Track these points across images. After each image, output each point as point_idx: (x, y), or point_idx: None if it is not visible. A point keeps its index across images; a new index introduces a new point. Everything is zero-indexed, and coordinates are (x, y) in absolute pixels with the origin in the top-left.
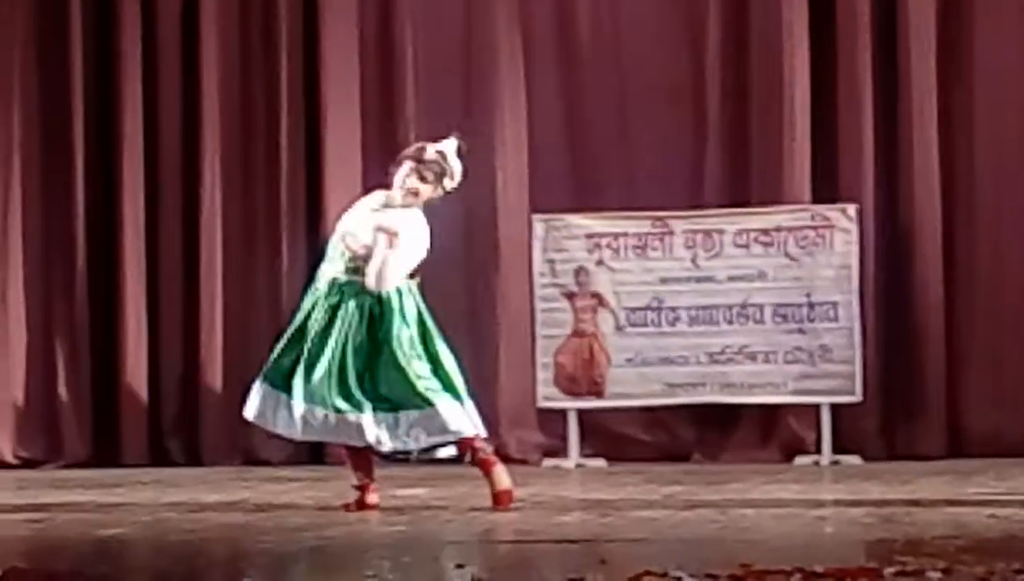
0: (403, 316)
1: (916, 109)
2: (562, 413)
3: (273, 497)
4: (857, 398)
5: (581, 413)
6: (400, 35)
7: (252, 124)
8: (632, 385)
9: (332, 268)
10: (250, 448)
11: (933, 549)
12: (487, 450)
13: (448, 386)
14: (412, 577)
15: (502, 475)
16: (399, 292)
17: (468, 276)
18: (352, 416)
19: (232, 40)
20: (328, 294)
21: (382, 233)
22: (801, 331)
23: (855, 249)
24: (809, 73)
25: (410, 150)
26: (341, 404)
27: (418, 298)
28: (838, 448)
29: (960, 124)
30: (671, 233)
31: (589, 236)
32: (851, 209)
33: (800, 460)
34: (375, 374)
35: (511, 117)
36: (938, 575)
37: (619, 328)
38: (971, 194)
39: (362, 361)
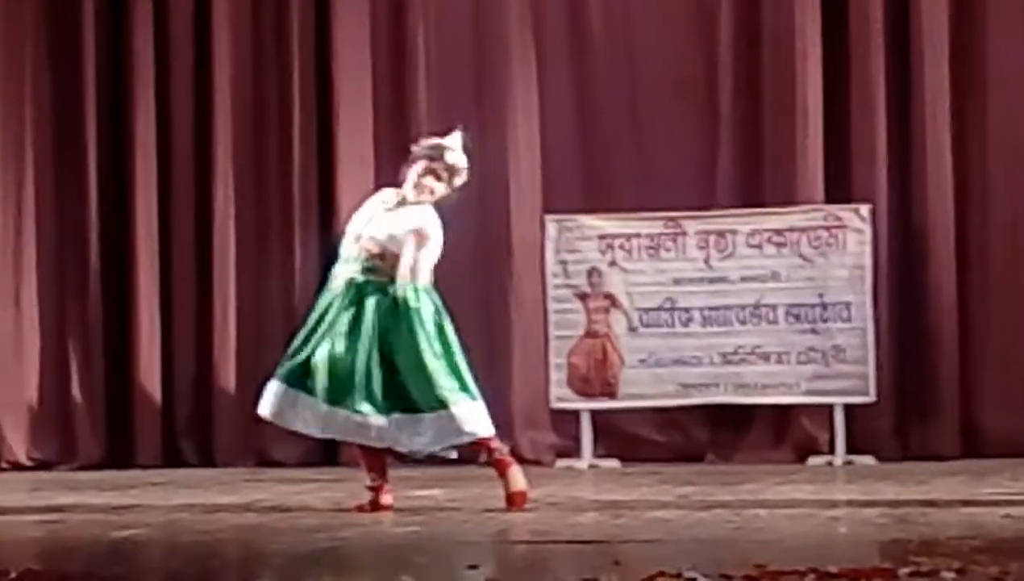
0: (420, 315)
1: (929, 109)
2: (575, 414)
3: (287, 498)
4: (870, 398)
5: (594, 414)
6: (412, 35)
7: (264, 122)
8: (645, 386)
9: (348, 269)
10: (263, 449)
11: (948, 549)
12: (503, 450)
13: (464, 386)
14: (426, 578)
15: (517, 476)
16: (416, 291)
17: (481, 277)
18: (372, 418)
19: (244, 38)
20: (345, 294)
21: (412, 234)
22: (814, 331)
23: (868, 249)
24: (822, 73)
25: (423, 148)
26: (361, 405)
27: (435, 297)
28: (851, 448)
29: (973, 124)
30: (684, 234)
31: (602, 237)
32: (864, 209)
33: (813, 460)
34: (394, 374)
35: (523, 118)
36: (953, 575)
37: (632, 329)
38: (984, 194)
39: (381, 361)
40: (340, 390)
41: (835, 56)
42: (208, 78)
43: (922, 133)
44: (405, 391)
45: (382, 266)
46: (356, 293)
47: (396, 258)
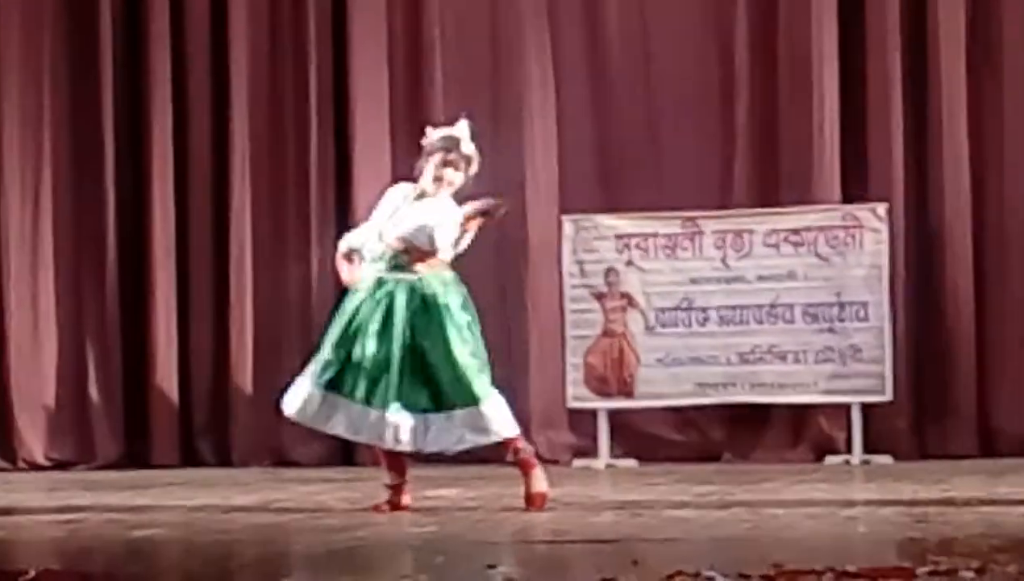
0: (450, 310)
1: (946, 108)
2: (592, 413)
3: (304, 498)
4: (887, 398)
5: (611, 413)
6: (428, 36)
7: (280, 122)
8: (662, 385)
9: (374, 268)
10: (280, 449)
11: (966, 549)
12: (528, 451)
13: (492, 383)
14: (444, 578)
15: (540, 477)
16: (445, 285)
17: (498, 277)
18: (403, 417)
19: (261, 38)
20: (374, 293)
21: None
22: (831, 331)
23: (885, 249)
24: (838, 73)
25: (437, 141)
26: (392, 404)
27: (462, 288)
28: (869, 448)
29: (990, 123)
30: (701, 233)
31: (619, 237)
32: (881, 208)
33: (831, 460)
34: (425, 371)
35: (540, 118)
36: (971, 575)
37: (649, 328)
38: (1001, 193)
39: (412, 358)
40: (373, 390)
41: (852, 55)
42: (225, 78)
43: (939, 132)
44: (437, 388)
45: (409, 261)
46: (385, 292)
47: (422, 251)
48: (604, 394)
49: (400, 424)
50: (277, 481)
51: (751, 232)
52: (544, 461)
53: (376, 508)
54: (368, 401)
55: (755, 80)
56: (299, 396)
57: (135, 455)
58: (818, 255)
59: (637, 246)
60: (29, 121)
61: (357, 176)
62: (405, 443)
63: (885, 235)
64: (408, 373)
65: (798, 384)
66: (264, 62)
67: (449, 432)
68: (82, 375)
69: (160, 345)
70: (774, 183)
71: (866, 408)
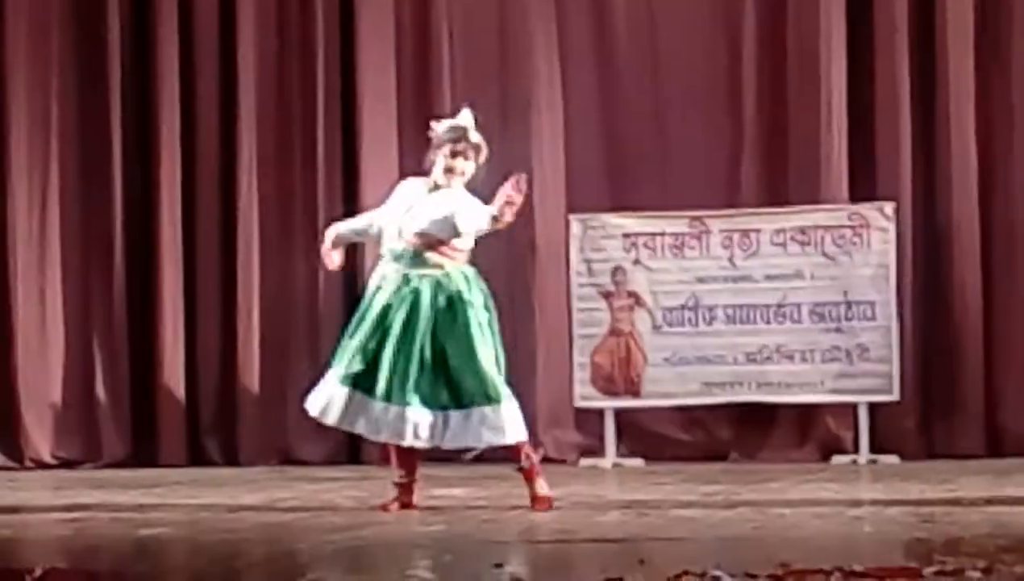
0: (474, 308)
1: (954, 107)
2: (599, 413)
3: (311, 497)
4: (895, 397)
5: (618, 412)
6: (436, 30)
7: (288, 121)
8: (669, 384)
9: (397, 266)
10: (287, 448)
11: (973, 548)
12: (535, 458)
13: (508, 384)
14: (452, 577)
15: (543, 484)
16: (468, 281)
17: (505, 276)
18: (422, 413)
19: (269, 36)
20: (400, 290)
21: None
22: (838, 330)
23: (893, 248)
24: (846, 71)
25: (445, 132)
26: (413, 400)
27: (483, 285)
28: (876, 447)
29: (998, 122)
30: (708, 232)
31: (626, 235)
32: (888, 208)
33: (837, 459)
34: (448, 369)
35: (547, 116)
36: (978, 575)
37: (656, 327)
38: (1009, 192)
39: (434, 356)
40: (394, 386)
41: (859, 54)
42: (232, 77)
43: (947, 131)
44: (457, 386)
45: (432, 255)
46: (411, 289)
47: (444, 243)
48: (611, 393)
49: (420, 421)
50: (284, 480)
51: (758, 231)
52: (551, 460)
53: (384, 507)
54: (388, 397)
55: (763, 76)
56: (325, 398)
57: (142, 454)
58: (825, 254)
59: (644, 245)
60: (36, 121)
61: (365, 174)
62: (424, 439)
63: (892, 234)
64: (429, 370)
65: (805, 383)
66: (272, 60)
67: (467, 430)
68: (89, 374)
69: (167, 344)
70: (782, 181)
71: (873, 408)
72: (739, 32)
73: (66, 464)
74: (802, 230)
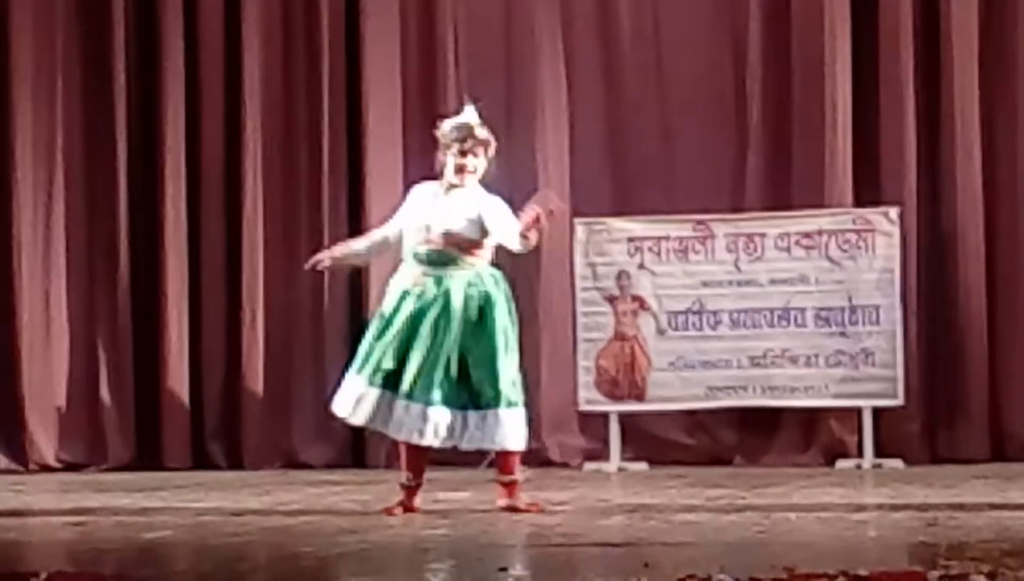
0: (499, 310)
1: (958, 111)
2: (603, 416)
3: (315, 500)
4: (899, 401)
5: (622, 416)
6: (441, 35)
7: (293, 126)
8: (673, 388)
9: (422, 268)
10: (291, 451)
11: (977, 553)
12: (519, 479)
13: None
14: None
15: (520, 495)
16: (495, 280)
17: (509, 280)
18: (442, 412)
19: (274, 39)
20: (428, 292)
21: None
22: (843, 334)
23: (897, 252)
24: (851, 75)
25: (452, 131)
26: (434, 397)
27: (506, 288)
28: (880, 452)
29: (1002, 126)
30: (713, 236)
31: (631, 239)
32: (893, 212)
33: (842, 464)
34: (470, 370)
35: (552, 121)
36: (982, 579)
37: (660, 331)
38: (1014, 196)
39: (460, 358)
40: (419, 386)
41: (864, 59)
42: (238, 80)
43: (951, 135)
44: (477, 387)
45: (459, 255)
46: (441, 291)
47: (471, 242)
48: (615, 397)
49: (440, 420)
50: (288, 483)
51: (763, 235)
52: (555, 464)
53: (388, 510)
54: (411, 395)
55: (767, 81)
56: (351, 396)
57: (146, 457)
58: (830, 259)
59: (649, 249)
60: (41, 122)
61: (370, 177)
62: (443, 438)
63: (897, 239)
64: (453, 370)
65: (809, 388)
66: (277, 63)
67: (484, 431)
68: (94, 377)
69: (172, 347)
70: (786, 185)
71: (877, 412)
72: (744, 37)
73: (70, 467)
74: (807, 234)
